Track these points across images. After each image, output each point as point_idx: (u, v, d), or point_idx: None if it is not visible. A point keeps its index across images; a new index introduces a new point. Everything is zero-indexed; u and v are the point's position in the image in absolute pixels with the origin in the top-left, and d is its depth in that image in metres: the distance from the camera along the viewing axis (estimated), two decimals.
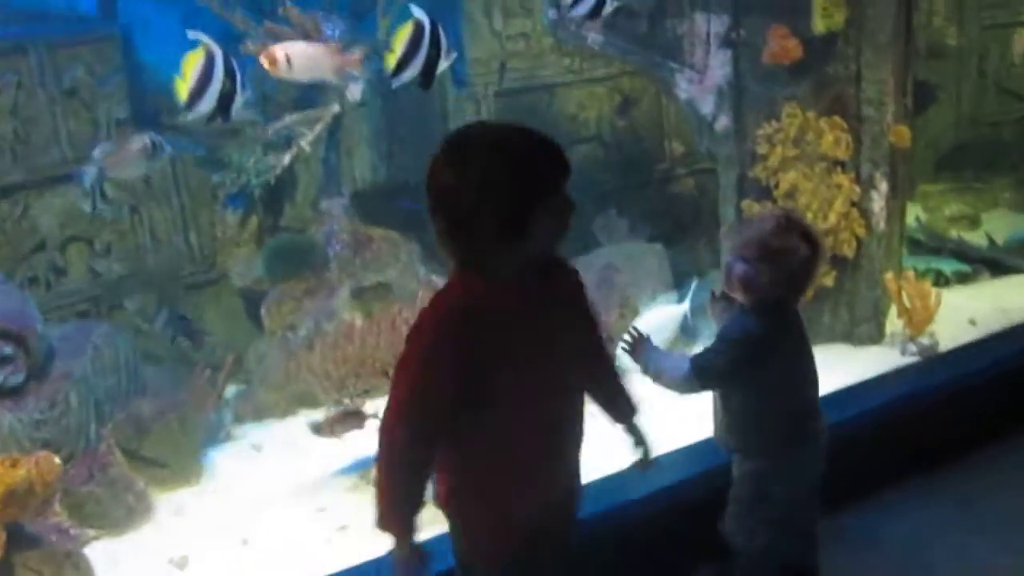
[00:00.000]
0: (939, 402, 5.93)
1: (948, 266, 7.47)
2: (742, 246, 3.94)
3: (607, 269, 7.06)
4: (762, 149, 6.58)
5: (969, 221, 8.38)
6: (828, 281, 6.63)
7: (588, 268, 7.01)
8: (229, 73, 5.19)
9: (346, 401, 5.63)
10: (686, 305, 6.60)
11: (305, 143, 6.93)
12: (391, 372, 3.11)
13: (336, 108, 7.08)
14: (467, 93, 7.78)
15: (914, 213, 8.11)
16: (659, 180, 8.45)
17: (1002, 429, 5.76)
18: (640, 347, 3.95)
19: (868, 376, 6.08)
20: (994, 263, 7.70)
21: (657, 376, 3.93)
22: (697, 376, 3.86)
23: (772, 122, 6.54)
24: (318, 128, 6.99)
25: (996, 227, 8.23)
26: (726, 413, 4.05)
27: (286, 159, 6.89)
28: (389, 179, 7.15)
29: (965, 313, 6.91)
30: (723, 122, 6.71)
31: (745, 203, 6.69)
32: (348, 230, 7.19)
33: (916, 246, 7.75)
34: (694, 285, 6.69)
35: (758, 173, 6.63)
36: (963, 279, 7.46)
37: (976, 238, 8.06)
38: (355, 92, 6.93)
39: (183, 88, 5.23)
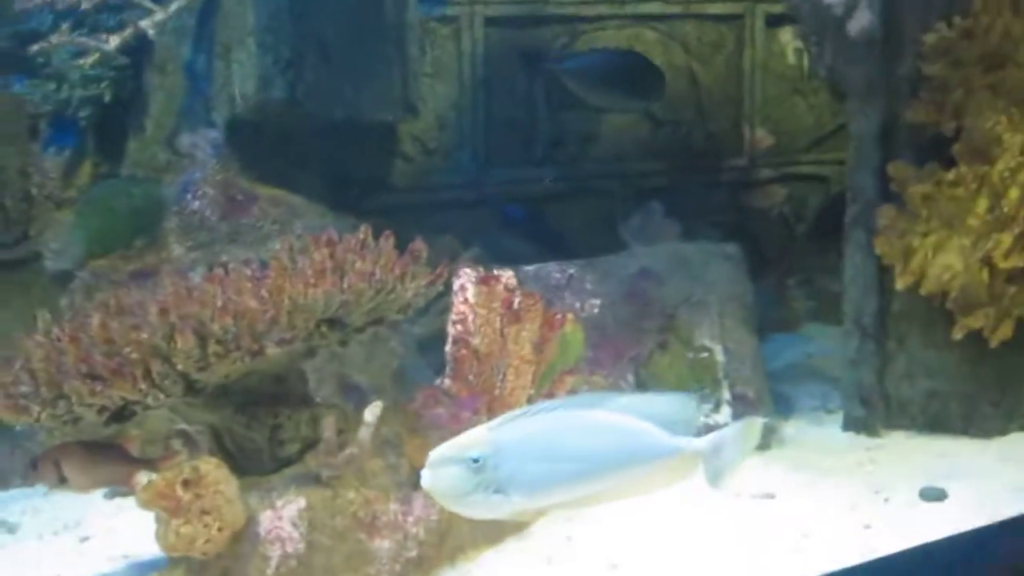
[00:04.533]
0: None
1: None
2: None
3: (642, 277, 4.10)
4: (933, 69, 3.68)
5: None
6: None
7: (611, 276, 4.10)
8: None
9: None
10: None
11: (149, 23, 4.11)
12: None
13: None
14: (441, 14, 5.01)
15: None
16: (731, 184, 5.54)
17: None
18: None
19: None
20: None
21: None
22: None
23: (953, 20, 3.66)
24: (174, 5, 4.18)
25: None
26: None
27: (113, 43, 4.05)
28: (290, 103, 4.31)
29: None
30: (863, 19, 3.80)
31: (894, 166, 3.77)
32: (216, 181, 4.33)
33: None
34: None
35: (923, 114, 3.71)
36: None
37: None
38: None
39: None
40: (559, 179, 5.30)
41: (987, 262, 3.60)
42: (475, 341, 3.12)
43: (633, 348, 3.86)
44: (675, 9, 5.44)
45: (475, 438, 2.03)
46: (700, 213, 5.32)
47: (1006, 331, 3.69)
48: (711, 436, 2.15)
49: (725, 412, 3.76)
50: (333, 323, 2.78)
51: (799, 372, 4.68)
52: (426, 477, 2.02)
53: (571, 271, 4.14)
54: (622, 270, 4.17)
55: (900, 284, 3.72)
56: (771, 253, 5.37)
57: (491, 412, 2.97)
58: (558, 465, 2.04)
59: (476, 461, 1.99)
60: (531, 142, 5.31)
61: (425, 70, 5.12)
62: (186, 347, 2.50)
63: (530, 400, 3.13)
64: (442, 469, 2.00)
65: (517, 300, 3.17)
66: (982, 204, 3.60)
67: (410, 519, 2.89)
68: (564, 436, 2.06)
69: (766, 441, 3.80)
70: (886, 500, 3.38)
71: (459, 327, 3.19)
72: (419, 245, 2.95)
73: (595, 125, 5.39)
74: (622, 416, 2.08)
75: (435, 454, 2.03)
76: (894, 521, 3.21)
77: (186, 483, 2.61)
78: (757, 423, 2.21)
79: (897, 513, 3.29)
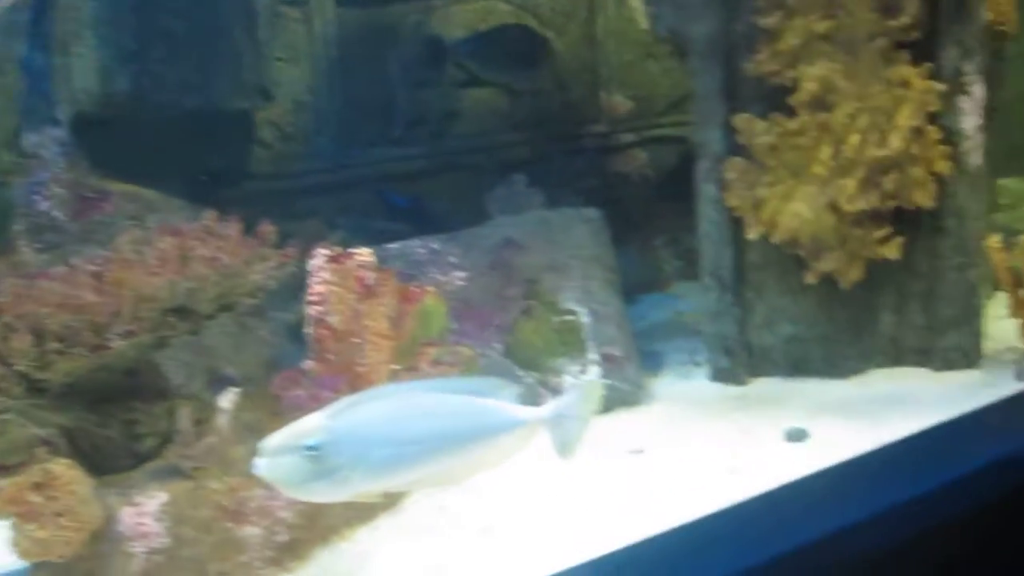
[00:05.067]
0: None
1: None
2: None
3: (504, 247, 4.10)
4: (769, 21, 3.75)
5: None
6: (890, 252, 3.75)
7: (474, 247, 4.10)
8: None
9: None
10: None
11: None
12: None
13: None
14: None
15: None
16: (592, 150, 5.57)
17: None
18: None
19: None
20: None
21: None
22: None
23: None
24: (3, 2, 4.05)
25: None
26: None
27: None
28: (135, 95, 4.21)
29: None
30: None
31: (738, 119, 3.83)
32: (64, 180, 4.21)
33: None
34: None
35: (762, 66, 3.79)
36: None
37: None
38: None
39: None
40: (421, 156, 5.28)
41: (834, 207, 3.69)
42: (332, 320, 3.09)
43: (498, 316, 3.87)
44: None
45: (310, 425, 2.01)
46: (563, 181, 5.34)
47: (857, 273, 3.79)
48: (551, 404, 2.16)
49: (593, 373, 3.80)
50: (181, 312, 2.73)
51: (668, 329, 4.74)
52: (261, 466, 1.99)
53: (434, 246, 4.14)
54: (485, 241, 4.17)
55: (752, 235, 3.80)
56: (635, 216, 5.42)
57: (353, 389, 2.95)
58: (398, 447, 2.03)
59: (312, 448, 1.97)
60: (391, 122, 5.28)
61: (278, 55, 5.04)
62: (22, 347, 2.42)
63: (394, 375, 3.13)
64: (278, 458, 1.98)
65: (371, 277, 3.15)
66: (825, 151, 3.68)
67: (278, 503, 2.86)
68: (402, 418, 2.05)
69: (635, 398, 3.85)
70: (752, 445, 3.45)
71: (316, 307, 3.16)
72: (266, 228, 2.92)
73: (454, 101, 5.37)
74: (460, 395, 2.08)
75: (269, 443, 2.00)
76: (760, 464, 3.29)
77: (37, 486, 2.54)
78: (596, 386, 2.22)
79: (762, 456, 3.37)
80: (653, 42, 5.66)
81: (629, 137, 5.65)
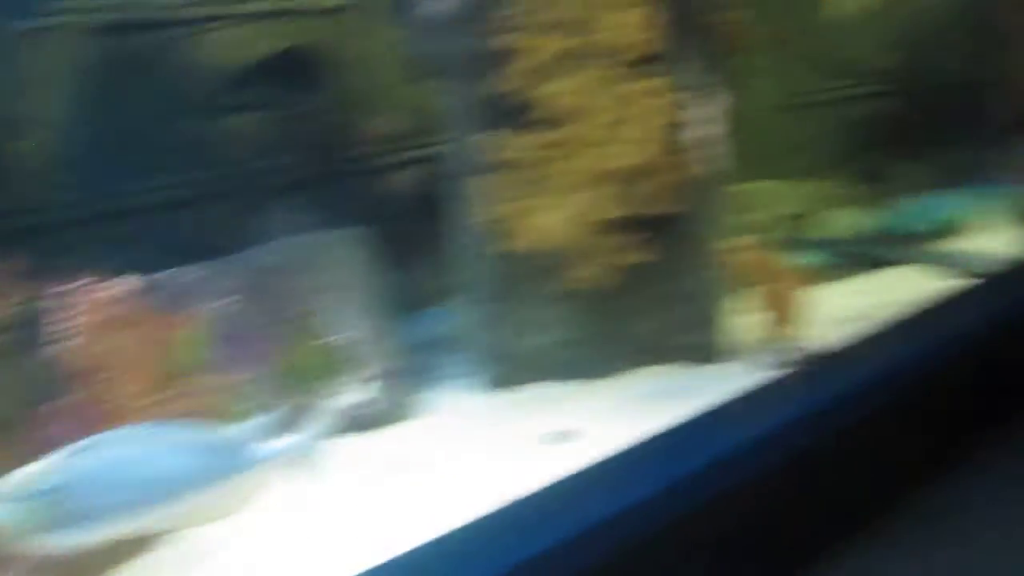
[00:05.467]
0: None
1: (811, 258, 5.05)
2: None
3: (270, 272, 4.10)
4: (516, 40, 3.90)
5: (807, 218, 6.02)
6: (639, 258, 3.96)
7: (239, 273, 4.09)
8: None
9: None
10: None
11: None
12: None
13: None
14: (34, 27, 4.78)
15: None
16: (359, 173, 5.60)
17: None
18: None
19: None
20: (854, 256, 5.33)
21: None
22: None
23: None
24: None
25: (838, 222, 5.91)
26: None
27: None
28: None
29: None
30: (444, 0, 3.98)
31: (486, 137, 3.97)
32: None
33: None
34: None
35: (510, 83, 3.94)
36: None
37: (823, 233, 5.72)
38: None
39: None
40: (185, 185, 5.19)
41: (584, 217, 3.86)
42: (88, 352, 3.04)
43: (263, 342, 3.86)
44: (287, 5, 5.42)
45: (42, 469, 1.95)
46: (331, 204, 5.35)
47: (610, 279, 3.98)
48: (290, 437, 2.18)
49: (364, 391, 3.83)
50: None
51: (441, 344, 4.82)
52: None
53: (199, 273, 4.08)
54: (250, 267, 4.15)
55: (505, 247, 3.93)
56: (407, 233, 5.48)
57: (109, 424, 2.90)
58: (129, 492, 1.98)
59: (45, 493, 1.91)
60: (150, 153, 5.16)
61: (25, 86, 4.86)
62: None
63: (152, 407, 3.08)
64: (9, 504, 1.91)
65: (127, 307, 3.11)
66: (572, 164, 3.85)
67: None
68: (141, 460, 2.01)
69: (403, 413, 3.92)
70: (518, 449, 3.57)
71: (72, 341, 3.09)
72: (11, 264, 2.85)
73: (216, 129, 5.31)
74: (194, 436, 2.07)
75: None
76: (525, 467, 3.39)
77: None
78: (326, 412, 2.25)
79: (527, 459, 3.48)
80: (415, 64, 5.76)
81: (394, 158, 5.71)
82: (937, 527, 3.18)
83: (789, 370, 3.87)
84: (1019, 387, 4.22)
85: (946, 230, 5.83)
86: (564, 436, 3.63)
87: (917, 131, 6.17)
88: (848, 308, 4.59)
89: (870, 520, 3.24)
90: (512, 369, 4.14)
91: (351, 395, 3.78)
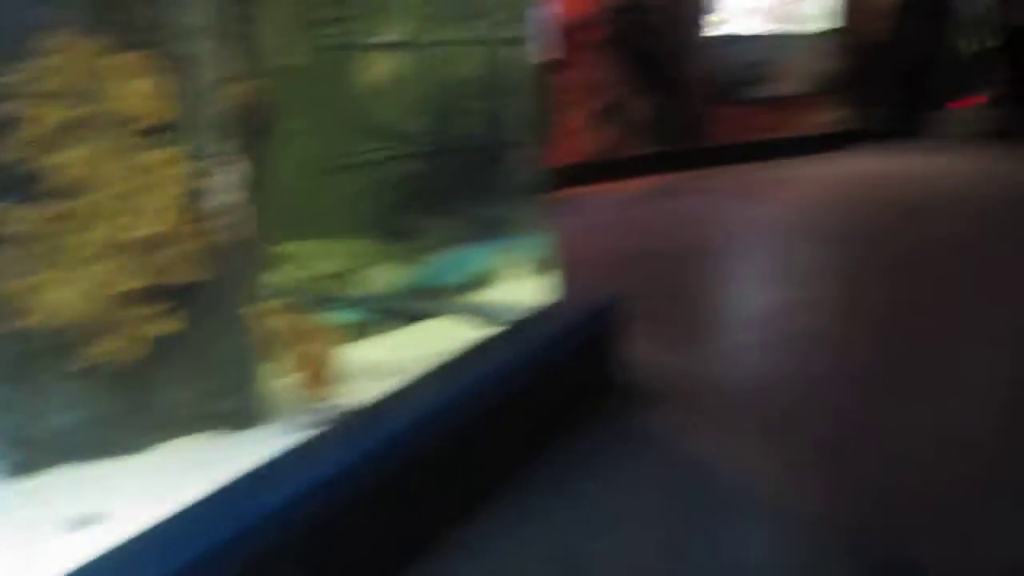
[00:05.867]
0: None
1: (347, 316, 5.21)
2: None
3: None
4: (19, 106, 3.74)
5: (347, 276, 6.20)
6: (164, 328, 3.90)
7: None
8: None
9: None
10: None
11: None
12: None
13: None
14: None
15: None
16: None
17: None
18: None
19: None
20: (390, 312, 5.59)
21: None
22: None
23: (31, 61, 3.74)
24: None
25: (376, 279, 6.16)
26: None
27: None
28: None
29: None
30: None
31: None
32: None
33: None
34: None
35: (12, 153, 3.76)
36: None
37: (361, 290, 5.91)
38: None
39: None
40: None
41: (100, 290, 3.75)
42: None
43: None
44: None
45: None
46: None
47: (136, 352, 3.88)
48: None
49: None
50: None
51: None
52: None
53: None
54: None
55: (20, 323, 3.73)
56: None
57: None
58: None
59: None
60: None
61: None
62: None
63: None
64: None
65: None
66: (84, 236, 3.73)
67: None
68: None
69: None
70: (37, 539, 3.38)
71: None
72: None
73: None
74: None
75: None
76: (50, 553, 3.23)
77: None
78: None
79: (52, 545, 3.32)
80: None
81: None
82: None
83: (323, 429, 3.96)
84: (551, 422, 4.60)
85: (475, 282, 6.22)
86: (90, 519, 3.49)
87: (446, 190, 6.55)
88: (383, 363, 4.78)
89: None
90: (33, 453, 3.90)
91: None
